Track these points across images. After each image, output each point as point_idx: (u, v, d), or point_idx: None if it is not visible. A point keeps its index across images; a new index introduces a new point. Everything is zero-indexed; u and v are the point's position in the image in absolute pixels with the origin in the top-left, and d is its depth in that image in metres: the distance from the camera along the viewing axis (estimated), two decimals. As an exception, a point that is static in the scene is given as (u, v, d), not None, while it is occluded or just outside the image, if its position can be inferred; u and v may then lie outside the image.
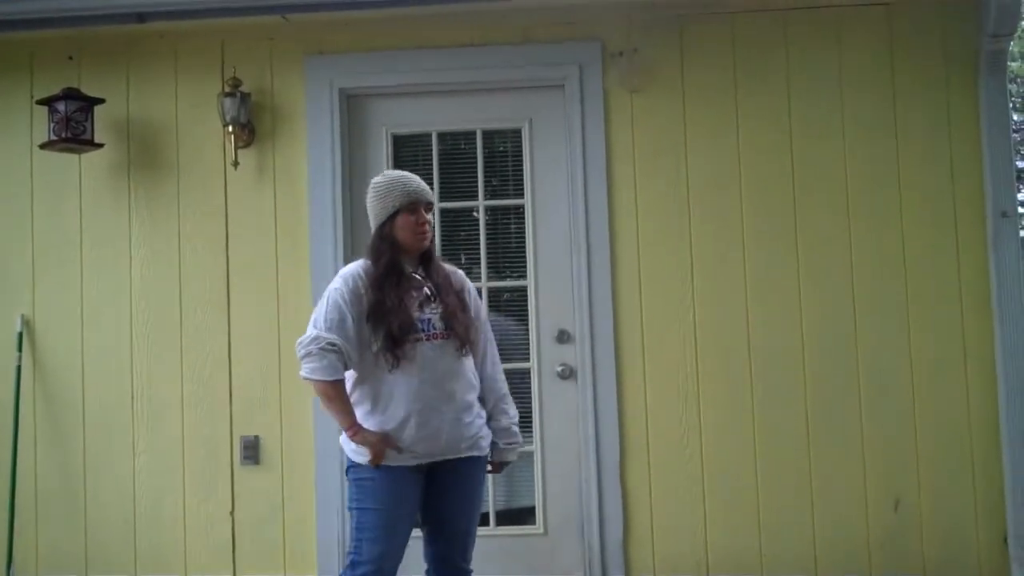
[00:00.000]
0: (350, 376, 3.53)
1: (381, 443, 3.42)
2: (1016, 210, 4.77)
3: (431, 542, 3.66)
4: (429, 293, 3.57)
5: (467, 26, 4.91)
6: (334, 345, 3.41)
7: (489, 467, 3.75)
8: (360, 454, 3.48)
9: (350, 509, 3.58)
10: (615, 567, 4.72)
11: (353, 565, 3.50)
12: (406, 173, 3.68)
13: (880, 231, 4.73)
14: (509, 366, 4.86)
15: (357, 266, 3.59)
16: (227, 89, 4.82)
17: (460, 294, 3.67)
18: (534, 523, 4.89)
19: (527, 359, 4.92)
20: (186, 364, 4.91)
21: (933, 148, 4.74)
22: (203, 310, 4.92)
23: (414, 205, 3.55)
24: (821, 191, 4.76)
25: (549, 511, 4.87)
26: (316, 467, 4.79)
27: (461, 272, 3.80)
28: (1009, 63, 14.80)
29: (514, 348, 4.92)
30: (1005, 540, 4.59)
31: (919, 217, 4.73)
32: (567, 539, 4.84)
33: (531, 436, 4.87)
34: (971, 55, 4.73)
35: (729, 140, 4.81)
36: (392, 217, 3.55)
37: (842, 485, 4.67)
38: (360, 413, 3.50)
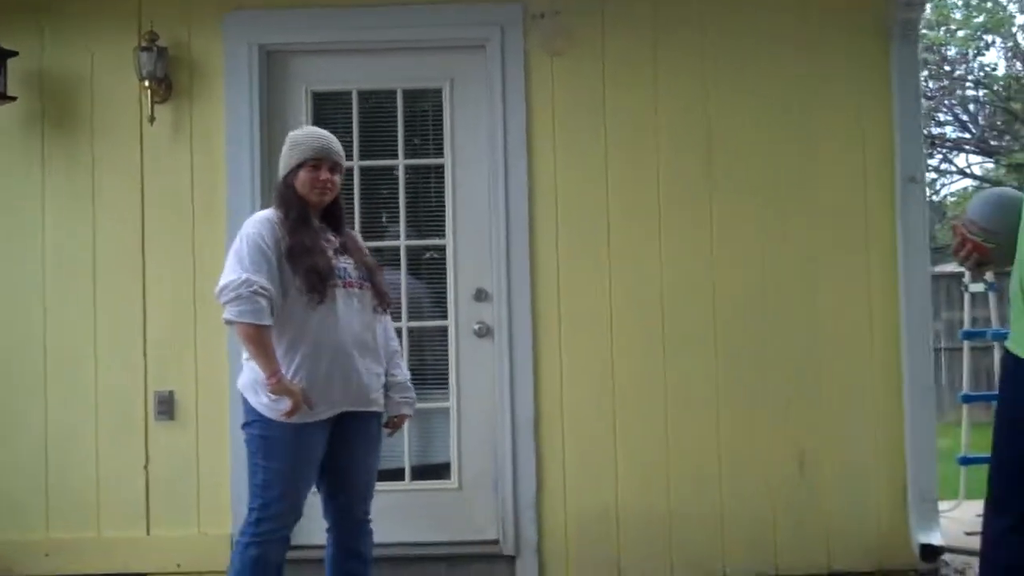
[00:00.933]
0: None
1: (300, 395, 3.41)
2: (924, 176, 4.90)
3: (334, 495, 3.68)
4: (338, 246, 3.63)
5: (389, -16, 4.92)
6: (266, 289, 3.39)
7: (387, 428, 3.77)
8: (271, 409, 3.46)
9: (254, 464, 3.55)
10: (528, 521, 4.80)
11: (259, 522, 3.49)
12: (321, 131, 3.71)
13: (791, 191, 4.84)
14: (427, 324, 4.97)
15: (268, 212, 3.61)
16: (144, 43, 4.77)
17: (369, 255, 3.74)
18: (449, 478, 4.95)
19: (444, 317, 4.96)
20: (100, 320, 4.87)
21: (845, 113, 4.86)
22: (118, 266, 4.88)
23: (317, 162, 3.58)
24: (736, 151, 4.86)
25: (464, 467, 4.94)
26: (230, 422, 4.74)
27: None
28: (925, 31, 14.95)
29: (432, 306, 4.97)
30: (905, 492, 4.73)
31: (830, 180, 4.84)
32: (481, 494, 4.91)
33: (447, 393, 4.93)
34: (885, 23, 4.82)
35: (648, 103, 4.88)
36: (295, 170, 3.59)
37: (750, 441, 4.79)
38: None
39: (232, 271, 3.44)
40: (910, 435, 4.72)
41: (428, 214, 5.08)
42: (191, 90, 4.91)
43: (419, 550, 4.80)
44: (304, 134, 3.69)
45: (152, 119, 4.81)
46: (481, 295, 4.94)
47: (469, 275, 4.97)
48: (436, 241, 5.03)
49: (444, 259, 5.00)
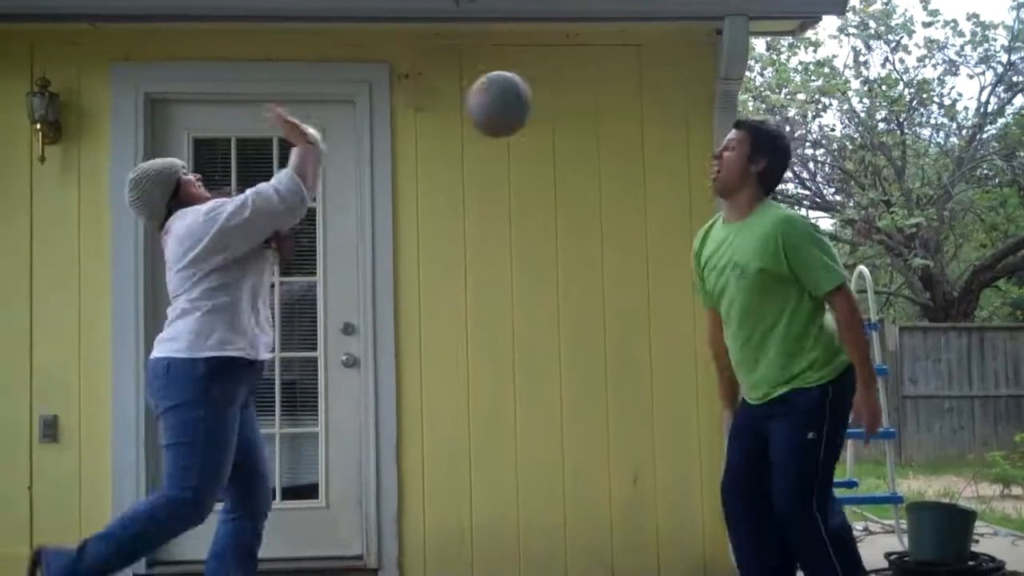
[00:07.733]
0: (210, 296, 3.87)
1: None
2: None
3: (248, 469, 3.96)
4: None
5: (266, 42, 5.35)
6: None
7: None
8: (239, 348, 3.83)
9: (186, 444, 3.73)
10: (389, 537, 5.23)
11: (196, 505, 3.71)
12: (161, 159, 4.24)
13: (629, 237, 5.42)
14: (298, 354, 5.34)
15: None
16: (36, 89, 5.09)
17: None
18: (317, 498, 5.35)
19: (314, 348, 5.38)
20: (-12, 345, 5.14)
21: (674, 173, 5.45)
22: (6, 295, 5.15)
23: (185, 171, 4.15)
24: (579, 199, 5.42)
25: (331, 487, 5.34)
26: (112, 443, 5.10)
27: None
28: (768, 94, 15.84)
29: (303, 338, 5.38)
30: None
31: (662, 228, 5.41)
32: (347, 512, 5.32)
33: (316, 419, 5.34)
34: (708, 94, 5.45)
35: (501, 155, 5.38)
36: (178, 184, 4.08)
37: (590, 463, 5.33)
38: (224, 318, 3.85)
39: (270, 191, 4.13)
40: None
41: (300, 253, 5.47)
42: (80, 133, 5.24)
43: (289, 564, 5.15)
44: (156, 166, 4.12)
45: (43, 159, 5.13)
46: (349, 328, 5.38)
47: (338, 310, 5.40)
48: (308, 278, 5.45)
49: (315, 295, 5.42)
